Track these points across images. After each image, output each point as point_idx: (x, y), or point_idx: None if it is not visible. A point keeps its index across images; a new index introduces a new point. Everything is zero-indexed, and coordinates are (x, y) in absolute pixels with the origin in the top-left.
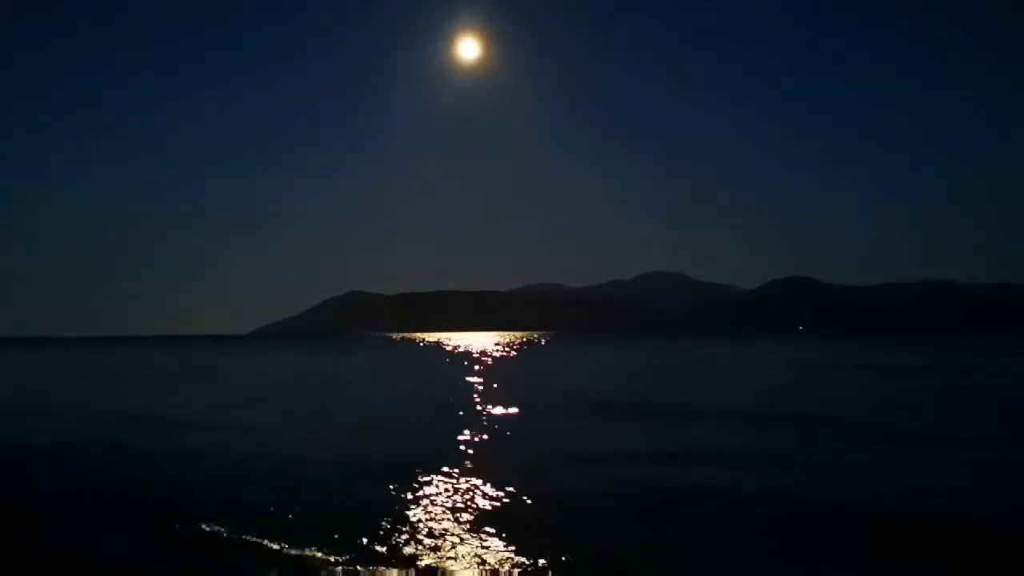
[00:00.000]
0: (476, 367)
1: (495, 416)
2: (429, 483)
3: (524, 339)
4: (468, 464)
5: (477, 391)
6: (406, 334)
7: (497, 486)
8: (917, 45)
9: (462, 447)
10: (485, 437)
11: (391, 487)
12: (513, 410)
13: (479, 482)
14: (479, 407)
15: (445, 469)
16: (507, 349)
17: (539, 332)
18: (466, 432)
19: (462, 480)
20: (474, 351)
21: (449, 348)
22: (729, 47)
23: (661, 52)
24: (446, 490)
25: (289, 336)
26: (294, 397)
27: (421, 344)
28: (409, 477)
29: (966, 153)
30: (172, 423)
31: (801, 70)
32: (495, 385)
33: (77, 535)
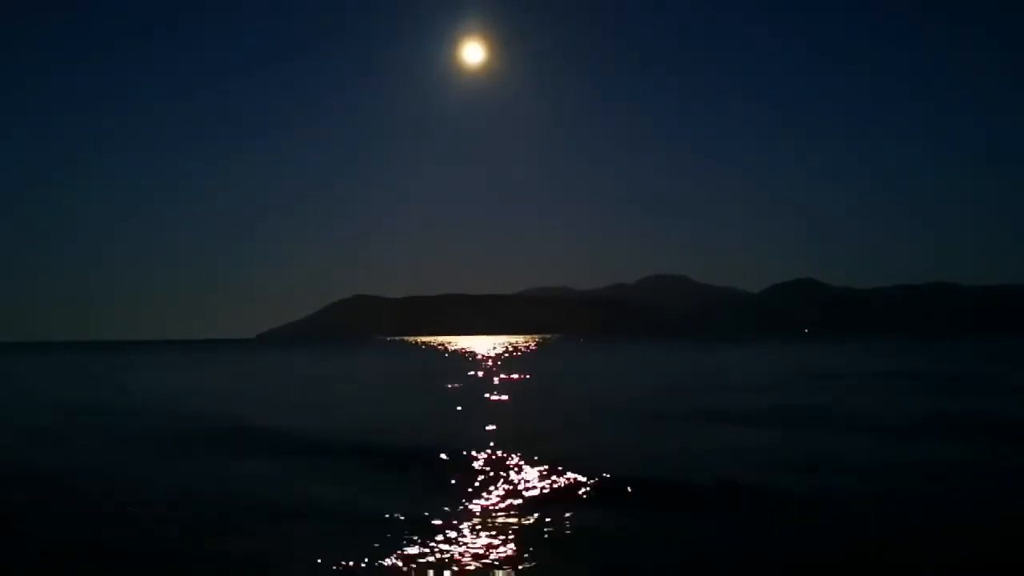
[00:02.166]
0: (483, 372)
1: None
2: None
3: (529, 342)
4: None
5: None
6: (411, 337)
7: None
8: (926, 46)
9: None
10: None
11: None
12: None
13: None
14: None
15: None
16: (513, 352)
17: (543, 335)
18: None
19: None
20: (480, 354)
21: (456, 351)
22: (732, 49)
23: (664, 54)
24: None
25: (294, 340)
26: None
27: (444, 349)
28: None
29: (971, 154)
30: None
31: (804, 71)
32: (503, 398)
33: None
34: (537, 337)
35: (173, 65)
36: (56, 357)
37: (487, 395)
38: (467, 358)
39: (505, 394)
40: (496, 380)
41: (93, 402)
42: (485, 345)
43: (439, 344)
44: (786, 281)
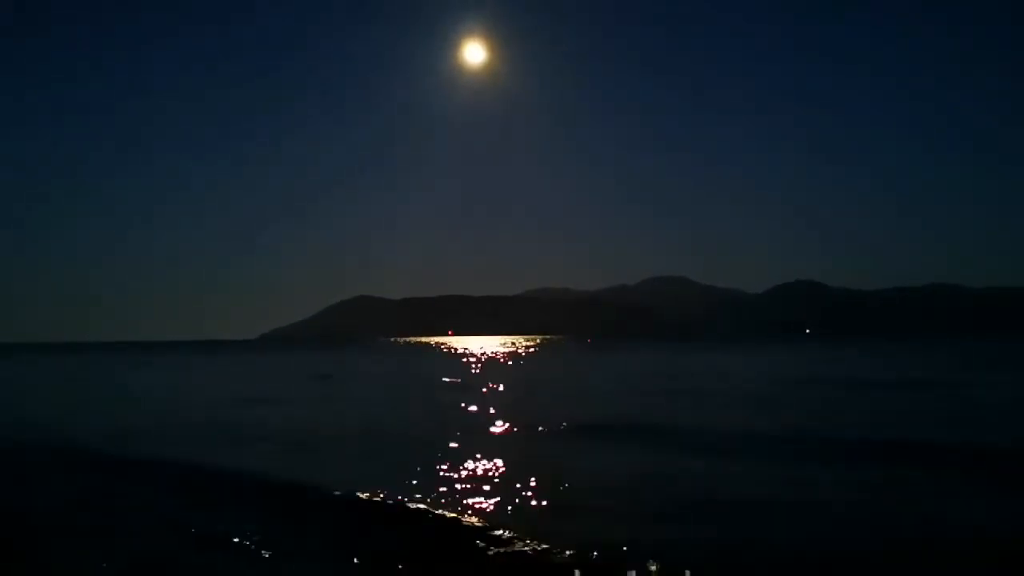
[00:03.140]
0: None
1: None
2: None
3: (529, 344)
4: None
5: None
6: (413, 338)
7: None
8: (926, 46)
9: None
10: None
11: None
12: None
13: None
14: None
15: None
16: (507, 355)
17: (545, 336)
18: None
19: None
20: (474, 356)
21: (454, 353)
22: (732, 49)
23: (666, 55)
24: None
25: (296, 340)
26: None
27: (444, 350)
28: None
29: (973, 156)
30: None
31: (805, 71)
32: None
33: None
34: (538, 338)
35: (174, 66)
36: (47, 359)
37: (451, 399)
38: (462, 360)
39: (472, 402)
40: (472, 386)
41: (57, 407)
42: (485, 346)
43: (439, 345)
44: (787, 283)
